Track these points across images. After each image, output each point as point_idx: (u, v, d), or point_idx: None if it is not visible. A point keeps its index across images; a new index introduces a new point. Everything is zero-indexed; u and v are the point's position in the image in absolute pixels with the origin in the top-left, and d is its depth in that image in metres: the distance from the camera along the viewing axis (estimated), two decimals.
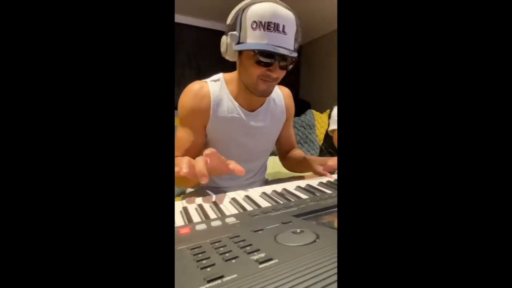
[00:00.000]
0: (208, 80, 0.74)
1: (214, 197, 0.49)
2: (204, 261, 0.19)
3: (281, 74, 0.66)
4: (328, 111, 1.89)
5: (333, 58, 4.39)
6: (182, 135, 0.71)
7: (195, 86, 0.71)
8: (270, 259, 0.18)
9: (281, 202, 0.42)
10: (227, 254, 0.20)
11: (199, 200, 0.48)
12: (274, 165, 1.09)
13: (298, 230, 0.23)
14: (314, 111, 1.90)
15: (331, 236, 0.22)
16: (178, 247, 0.22)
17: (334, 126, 1.19)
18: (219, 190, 0.69)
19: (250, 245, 0.21)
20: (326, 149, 1.38)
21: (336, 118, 1.18)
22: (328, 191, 0.49)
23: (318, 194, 0.47)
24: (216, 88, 0.72)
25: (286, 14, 0.61)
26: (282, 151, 0.94)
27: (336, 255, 0.19)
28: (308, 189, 0.50)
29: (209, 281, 0.16)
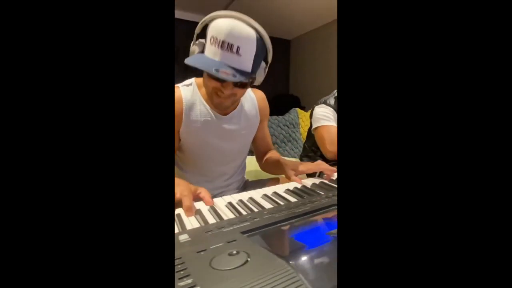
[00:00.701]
0: (180, 85, 0.75)
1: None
2: None
3: (238, 91, 0.66)
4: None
5: (321, 52, 4.42)
6: None
7: None
8: (194, 286, 0.20)
9: (244, 213, 0.44)
10: None
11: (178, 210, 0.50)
12: (256, 165, 1.11)
13: (234, 252, 0.25)
14: (298, 110, 1.93)
15: (261, 256, 0.24)
16: None
17: (316, 124, 1.21)
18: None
19: (185, 269, 0.23)
20: (309, 147, 1.39)
21: (317, 117, 1.20)
22: (293, 199, 0.52)
23: (282, 203, 0.49)
24: (188, 92, 0.73)
25: (245, 35, 0.59)
26: (258, 152, 0.96)
27: (262, 276, 0.21)
28: (274, 198, 0.52)
29: None
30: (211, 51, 0.59)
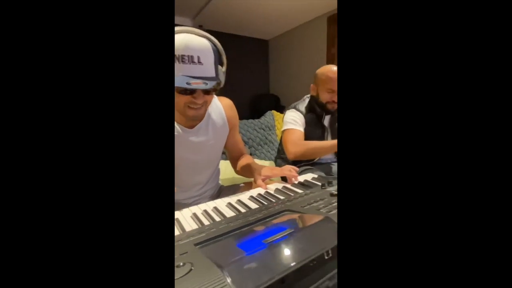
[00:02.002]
0: None
1: None
2: None
3: (208, 98, 0.71)
4: None
5: (299, 52, 4.50)
6: None
7: None
8: None
9: (206, 223, 0.49)
10: None
11: None
12: (231, 171, 1.15)
13: (181, 264, 0.30)
14: (274, 112, 1.99)
15: (203, 266, 0.29)
16: None
17: (284, 127, 1.27)
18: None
19: None
20: (283, 149, 1.45)
21: (286, 120, 1.26)
22: (254, 206, 0.57)
23: (244, 211, 0.54)
24: None
25: (200, 45, 0.64)
26: (231, 157, 1.01)
27: (198, 284, 0.26)
28: (236, 206, 0.57)
29: None
30: (178, 69, 0.63)
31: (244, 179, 1.14)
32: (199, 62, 0.63)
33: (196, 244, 0.36)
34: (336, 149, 1.12)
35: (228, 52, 0.75)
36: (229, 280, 0.26)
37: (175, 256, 0.33)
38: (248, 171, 0.89)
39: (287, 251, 0.32)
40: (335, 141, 1.12)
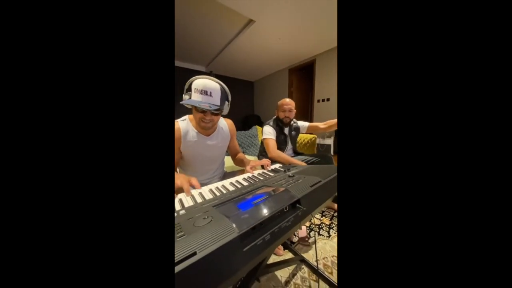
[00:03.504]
0: (179, 119, 0.81)
1: (179, 196, 0.56)
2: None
3: (215, 118, 0.76)
4: None
5: (271, 89, 4.61)
6: None
7: None
8: (183, 235, 0.27)
9: (218, 194, 0.51)
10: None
11: (181, 195, 0.54)
12: (231, 162, 1.17)
13: (205, 217, 0.33)
14: (257, 127, 2.03)
15: (218, 218, 0.32)
16: None
17: (263, 136, 1.31)
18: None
19: (180, 228, 0.30)
20: (262, 150, 1.49)
21: (264, 131, 1.31)
22: (245, 183, 0.60)
23: (239, 186, 0.57)
24: (184, 124, 0.80)
25: (213, 86, 0.70)
26: (231, 154, 1.05)
27: (215, 227, 0.29)
28: (235, 184, 0.60)
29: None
30: (196, 96, 0.69)
31: (238, 168, 1.16)
32: (211, 95, 0.69)
33: (213, 206, 0.39)
34: (290, 162, 1.13)
35: (229, 88, 0.79)
36: (234, 225, 0.29)
37: (201, 213, 0.35)
38: (241, 162, 0.93)
39: (264, 208, 0.34)
40: (290, 158, 1.16)
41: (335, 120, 1.31)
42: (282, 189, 0.43)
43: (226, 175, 1.03)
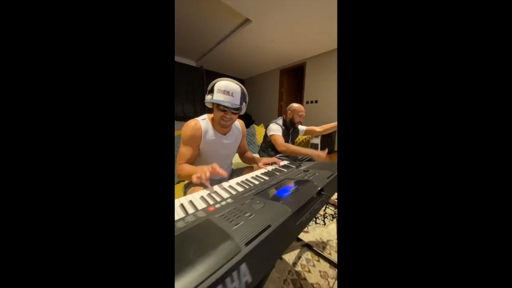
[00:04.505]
0: (199, 118, 0.87)
1: (213, 188, 0.60)
2: (230, 219, 0.32)
3: (234, 116, 0.83)
4: (262, 124, 2.18)
5: (263, 88, 4.69)
6: (184, 151, 0.82)
7: (192, 122, 0.85)
8: (251, 215, 0.34)
9: (247, 187, 0.58)
10: (235, 215, 0.33)
11: (201, 192, 0.54)
12: (238, 159, 1.23)
13: (258, 202, 0.40)
14: (255, 125, 2.10)
15: (269, 202, 0.39)
16: (216, 216, 0.36)
17: (271, 133, 1.41)
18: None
19: (241, 211, 0.37)
20: (264, 146, 1.57)
21: (272, 128, 1.44)
22: (266, 178, 0.67)
23: (262, 180, 0.65)
24: (204, 123, 0.85)
25: (234, 87, 0.77)
26: (240, 153, 1.11)
27: (269, 214, 0.36)
28: (257, 178, 0.68)
29: (235, 226, 0.31)
30: (218, 96, 0.76)
31: (244, 165, 1.22)
32: (232, 95, 0.77)
33: (255, 194, 0.46)
34: (300, 151, 1.25)
35: None
36: (287, 206, 0.37)
37: (248, 200, 0.42)
38: (252, 160, 1.01)
39: (300, 194, 0.42)
40: (300, 148, 1.27)
41: (330, 125, 1.47)
42: (307, 181, 0.52)
43: (233, 172, 1.09)
